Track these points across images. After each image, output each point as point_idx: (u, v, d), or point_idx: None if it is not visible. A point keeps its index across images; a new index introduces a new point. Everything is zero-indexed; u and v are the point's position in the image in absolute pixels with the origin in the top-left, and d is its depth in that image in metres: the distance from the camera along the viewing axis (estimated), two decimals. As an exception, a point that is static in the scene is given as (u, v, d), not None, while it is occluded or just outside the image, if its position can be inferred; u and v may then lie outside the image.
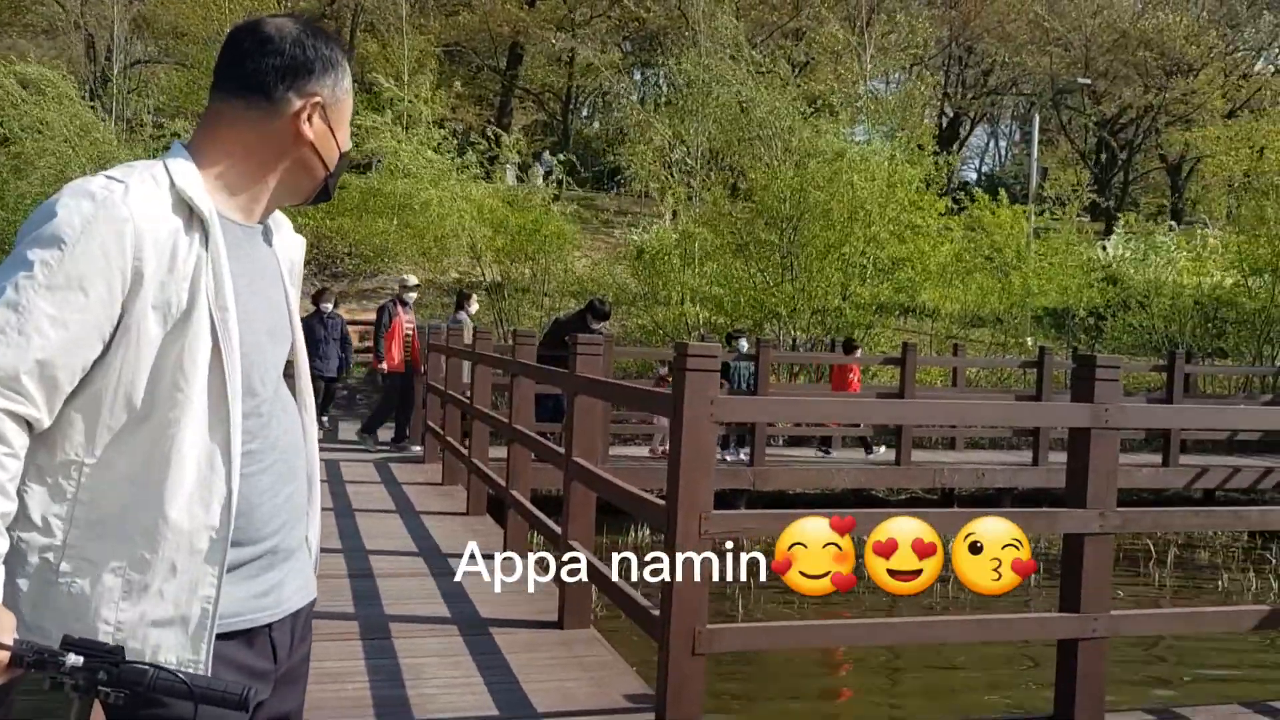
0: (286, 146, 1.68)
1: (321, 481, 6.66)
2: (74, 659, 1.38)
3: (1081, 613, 4.07)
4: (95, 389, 1.52)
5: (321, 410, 12.74)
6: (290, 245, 1.84)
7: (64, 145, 17.92)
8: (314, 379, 11.41)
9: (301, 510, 1.78)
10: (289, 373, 1.80)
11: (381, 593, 5.76)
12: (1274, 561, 11.07)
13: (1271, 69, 34.13)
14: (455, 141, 19.21)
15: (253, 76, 1.65)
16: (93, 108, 19.46)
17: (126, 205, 1.50)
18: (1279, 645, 8.01)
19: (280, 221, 1.84)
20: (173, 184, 1.57)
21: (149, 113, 20.46)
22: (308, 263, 21.35)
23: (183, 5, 24.97)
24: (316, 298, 12.96)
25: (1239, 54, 33.30)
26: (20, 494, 1.49)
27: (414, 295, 12.56)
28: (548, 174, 23.50)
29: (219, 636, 1.58)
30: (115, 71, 22.29)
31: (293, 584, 1.73)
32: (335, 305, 13.24)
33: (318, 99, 1.68)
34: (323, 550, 5.42)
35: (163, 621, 1.53)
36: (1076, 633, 4.08)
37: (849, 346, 13.99)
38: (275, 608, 1.69)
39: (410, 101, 19.53)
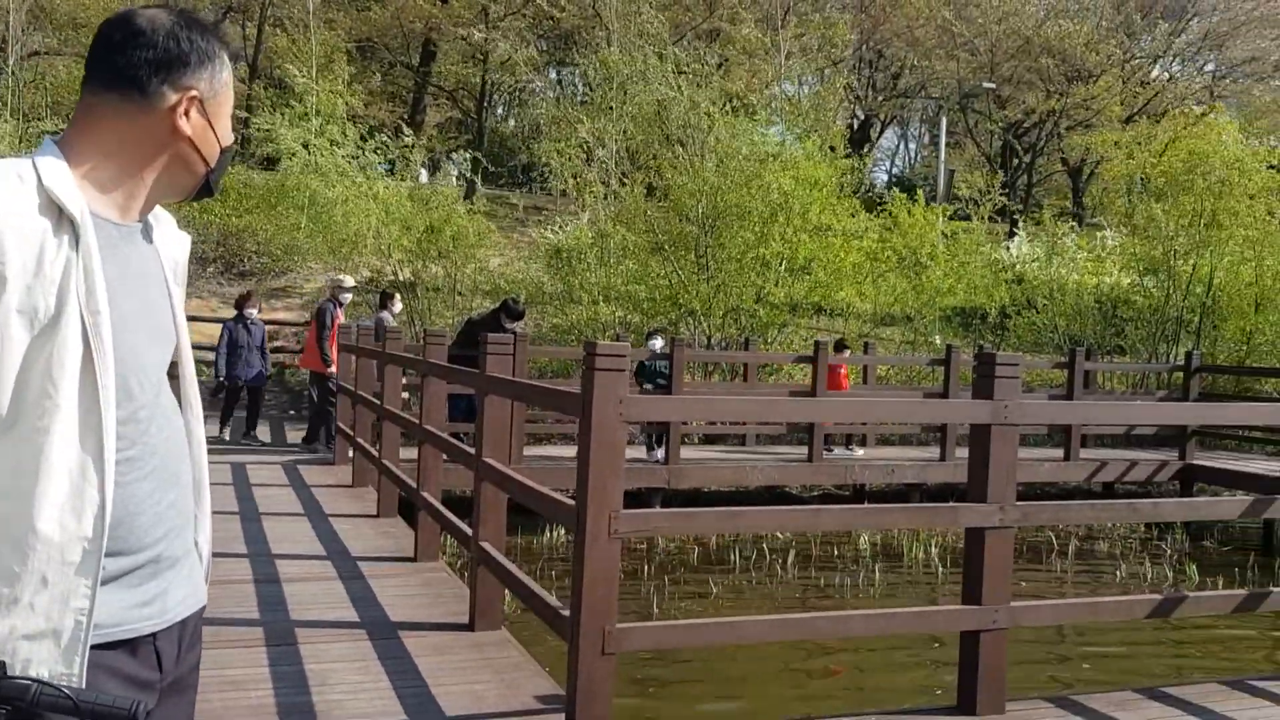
0: (163, 141, 1.63)
1: (226, 485, 6.53)
2: None
3: (983, 605, 4.17)
4: None
5: (251, 423, 12.45)
6: (173, 244, 1.79)
7: None
8: (238, 387, 11.16)
9: (188, 516, 1.72)
10: (174, 374, 1.75)
11: (287, 598, 5.65)
12: (1168, 551, 11.48)
13: (1167, 76, 35.35)
14: (369, 140, 18.89)
15: (125, 70, 1.59)
16: None
17: None
18: (1171, 632, 8.31)
19: (162, 219, 1.78)
20: (40, 183, 1.50)
21: (47, 106, 19.77)
22: (214, 261, 21.00)
23: (80, -4, 24.25)
24: (240, 302, 12.63)
25: (1136, 61, 34.43)
26: None
27: (349, 296, 12.36)
28: (462, 173, 23.34)
29: (101, 647, 1.52)
30: (11, 63, 21.48)
31: (178, 592, 1.68)
32: (259, 310, 12.90)
33: (194, 93, 1.63)
34: (227, 555, 5.34)
35: (34, 635, 1.47)
36: (978, 624, 4.17)
37: (839, 346, 14.30)
38: (159, 616, 1.63)
39: (318, 97, 19.18)
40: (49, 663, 1.47)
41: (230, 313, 13.55)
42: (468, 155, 20.52)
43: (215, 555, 5.94)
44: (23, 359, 1.46)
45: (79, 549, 1.49)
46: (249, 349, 12.21)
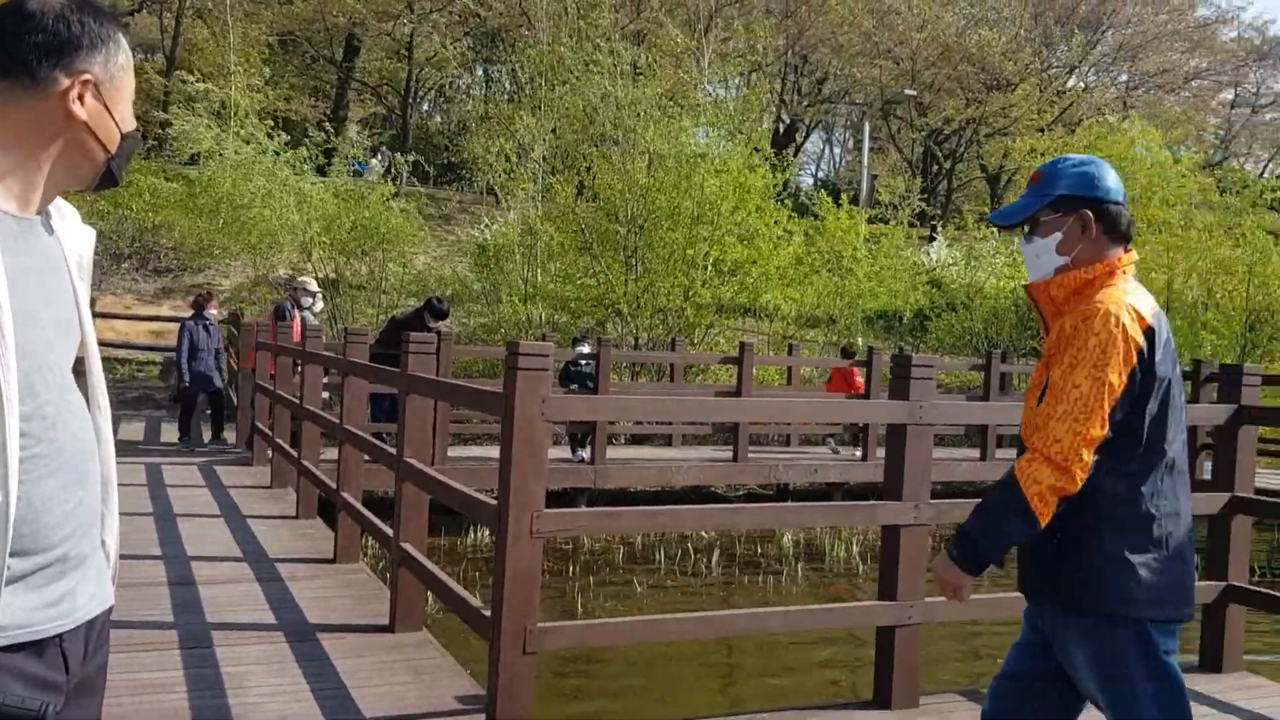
0: (58, 128, 1.59)
1: (140, 486, 6.35)
2: None
3: (898, 601, 4.25)
4: None
5: (219, 426, 12.12)
6: (78, 237, 1.75)
7: None
8: (199, 393, 10.71)
9: (95, 515, 1.69)
10: (80, 370, 1.71)
11: (203, 600, 5.54)
12: (1080, 548, 11.79)
13: (1082, 85, 36.35)
14: (286, 135, 18.61)
15: (15, 56, 1.56)
16: None
17: None
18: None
19: (66, 212, 1.75)
20: None
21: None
22: (129, 257, 20.48)
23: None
24: (200, 302, 12.22)
25: (1053, 71, 35.36)
26: None
27: (310, 300, 12.01)
28: (387, 170, 23.07)
29: (6, 649, 1.49)
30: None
31: (85, 592, 1.65)
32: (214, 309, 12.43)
33: (88, 76, 1.60)
34: (141, 558, 5.21)
35: None
36: (894, 620, 4.26)
37: (846, 353, 14.64)
38: (66, 617, 1.60)
39: (232, 94, 18.83)
40: None
41: (146, 310, 13.23)
42: (398, 155, 20.26)
43: (128, 558, 5.82)
44: None
45: None
46: (208, 351, 11.87)
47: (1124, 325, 2.37)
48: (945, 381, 18.45)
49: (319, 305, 12.49)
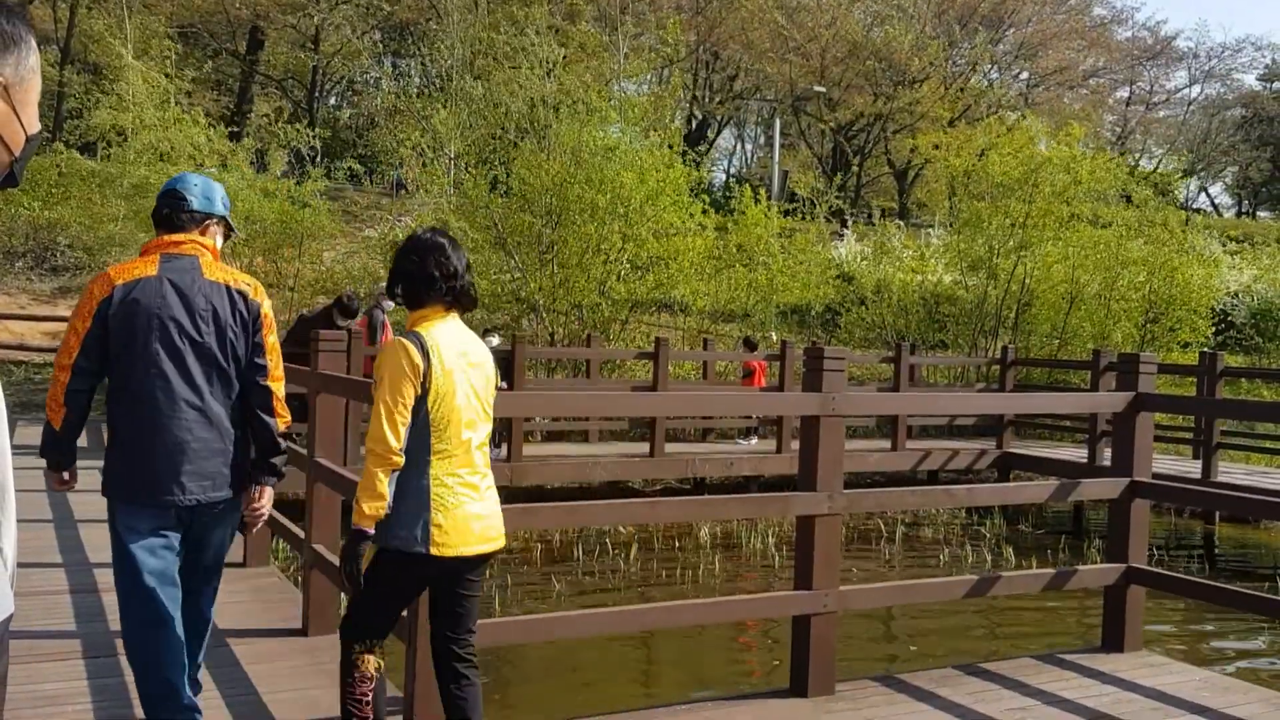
0: None
1: (38, 492, 6.12)
2: None
3: (813, 589, 4.31)
4: None
5: None
6: None
7: None
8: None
9: (-11, 523, 1.63)
10: None
11: (106, 608, 5.37)
12: (987, 535, 12.10)
13: (985, 83, 37.23)
14: (203, 127, 18.16)
15: None
16: None
17: None
18: (991, 613, 8.79)
19: None
20: None
21: None
22: (24, 255, 19.76)
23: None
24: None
25: (956, 68, 36.16)
26: None
27: (391, 305, 11.96)
28: (314, 157, 22.69)
29: None
30: None
31: (-21, 602, 1.58)
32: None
33: (2, 79, 1.54)
34: (40, 565, 5.05)
35: None
36: (809, 608, 4.32)
37: (749, 344, 14.64)
38: (-41, 628, 1.54)
39: (141, 79, 18.32)
40: None
41: (42, 309, 12.76)
42: (314, 136, 19.83)
43: (26, 565, 5.62)
44: None
45: None
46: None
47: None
48: (856, 374, 18.76)
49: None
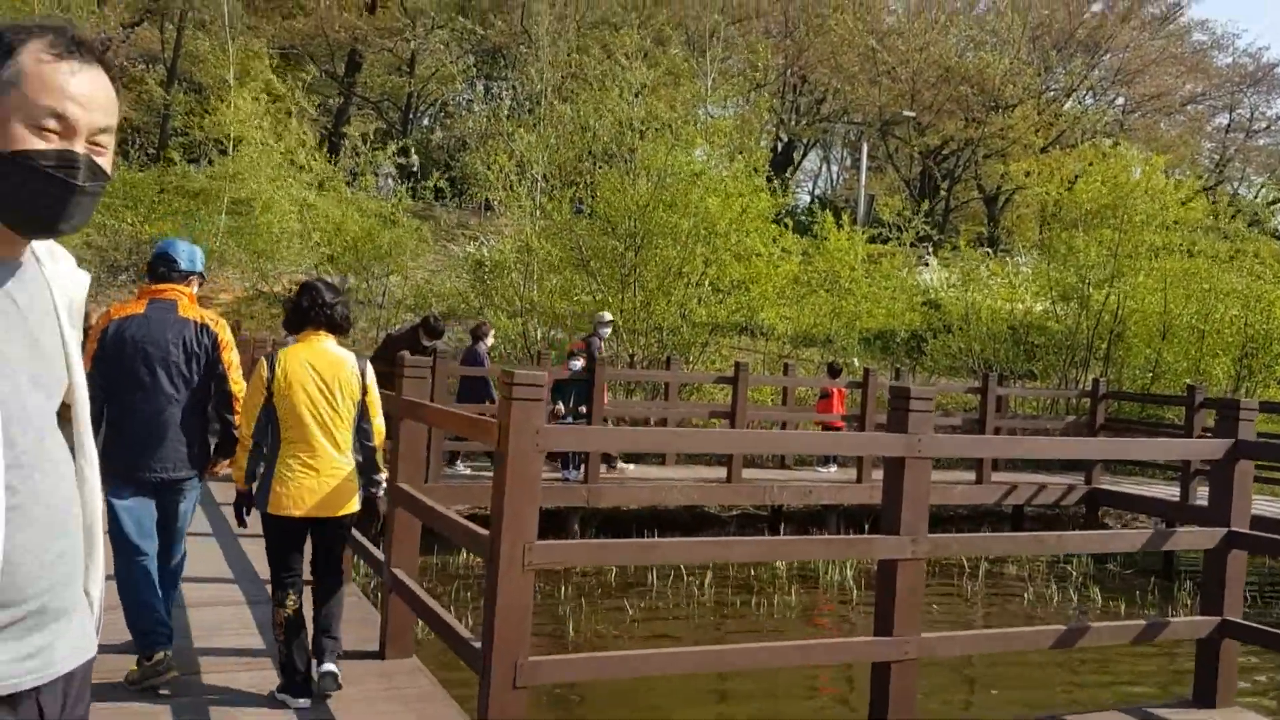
0: None
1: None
2: None
3: (894, 636, 4.21)
4: None
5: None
6: (69, 282, 1.71)
7: None
8: None
9: (76, 566, 1.65)
10: (66, 416, 1.68)
11: (191, 624, 5.49)
12: (1073, 574, 11.76)
13: (1079, 109, 36.46)
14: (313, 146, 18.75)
15: None
16: None
17: None
18: (1075, 652, 8.51)
19: (59, 256, 1.71)
20: None
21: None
22: (126, 269, 20.46)
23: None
24: (479, 332, 12.38)
25: (1050, 94, 35.48)
26: None
27: (608, 330, 12.76)
28: (413, 173, 23.27)
29: None
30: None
31: (64, 645, 1.61)
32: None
33: None
34: (111, 579, 5.14)
35: None
36: (890, 655, 4.22)
37: (833, 370, 14.52)
38: (43, 670, 1.57)
39: (237, 102, 18.90)
40: None
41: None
42: (412, 156, 20.34)
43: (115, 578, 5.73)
44: None
45: None
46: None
47: None
48: (941, 403, 18.43)
49: (490, 340, 12.71)
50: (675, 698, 6.98)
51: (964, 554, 10.24)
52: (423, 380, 5.31)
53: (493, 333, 13.16)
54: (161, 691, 4.41)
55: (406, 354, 5.62)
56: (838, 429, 14.11)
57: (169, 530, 4.73)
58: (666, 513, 12.50)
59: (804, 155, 41.50)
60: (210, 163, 21.42)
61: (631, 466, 12.89)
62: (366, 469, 4.54)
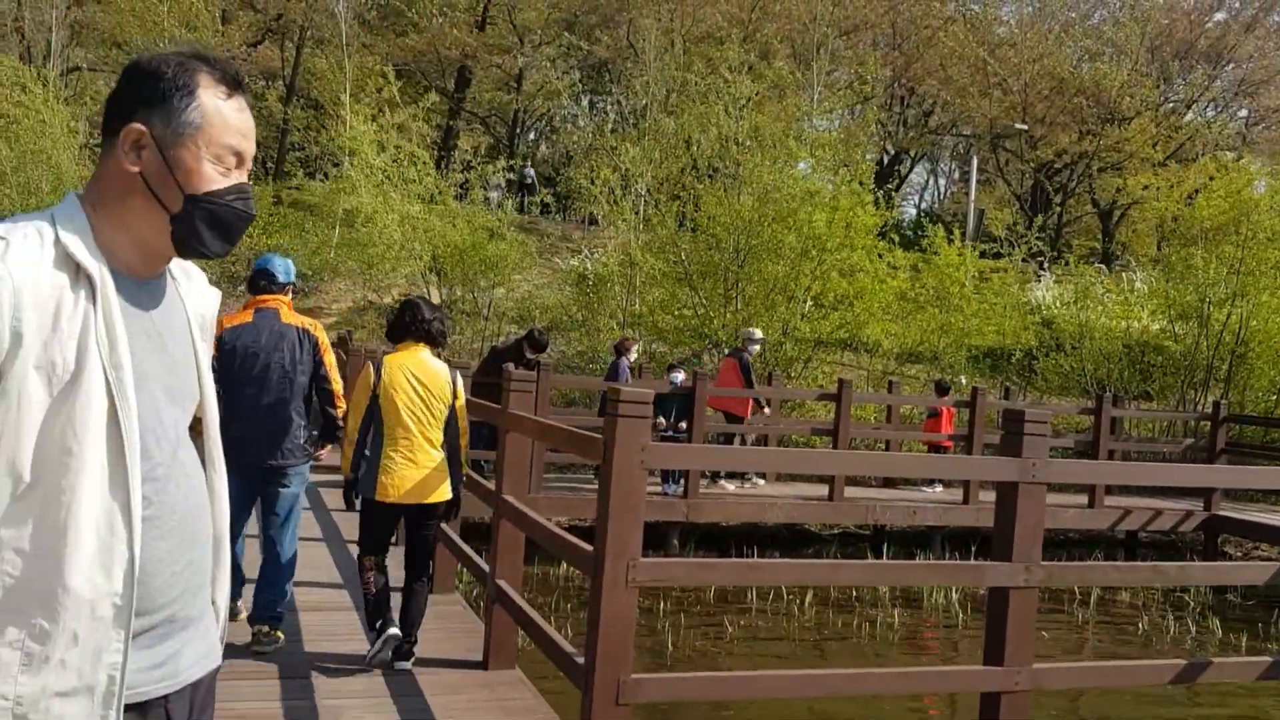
0: (124, 183, 1.58)
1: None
2: None
3: (1005, 666, 4.10)
4: None
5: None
6: (202, 299, 1.78)
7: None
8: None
9: (205, 576, 1.71)
10: (197, 430, 1.74)
11: (303, 628, 5.63)
12: (1191, 604, 11.30)
13: (1200, 121, 35.17)
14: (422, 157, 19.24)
15: (108, 113, 1.59)
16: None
17: (5, 264, 1.44)
18: (1190, 692, 8.16)
19: (193, 273, 1.77)
20: (57, 239, 1.50)
21: (81, 120, 20.08)
22: (245, 280, 21.20)
23: (121, 13, 24.60)
24: (622, 346, 12.69)
25: (1170, 105, 34.30)
26: None
27: (757, 348, 13.04)
28: (528, 185, 23.71)
29: None
30: (52, 77, 21.79)
31: (192, 653, 1.66)
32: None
33: (139, 127, 1.56)
34: (245, 580, 5.33)
35: (67, 693, 1.46)
36: (1000, 686, 4.10)
37: (941, 389, 14.36)
38: (172, 678, 1.62)
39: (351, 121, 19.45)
40: (83, 719, 1.47)
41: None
42: (529, 170, 20.74)
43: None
44: (44, 417, 1.46)
45: (109, 605, 1.48)
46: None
47: None
48: (1053, 424, 17.91)
49: (634, 354, 13.00)
50: (770, 713, 6.90)
51: (1080, 584, 9.92)
52: (527, 394, 5.36)
53: (636, 347, 13.28)
54: (266, 650, 5.10)
55: (511, 367, 5.70)
56: (945, 449, 13.82)
57: (275, 516, 5.28)
58: (766, 530, 12.40)
59: (911, 168, 40.86)
60: (325, 177, 22.06)
61: (732, 485, 12.80)
62: (453, 464, 5.08)
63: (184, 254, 1.65)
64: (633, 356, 12.73)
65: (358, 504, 5.13)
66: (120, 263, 1.58)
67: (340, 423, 5.31)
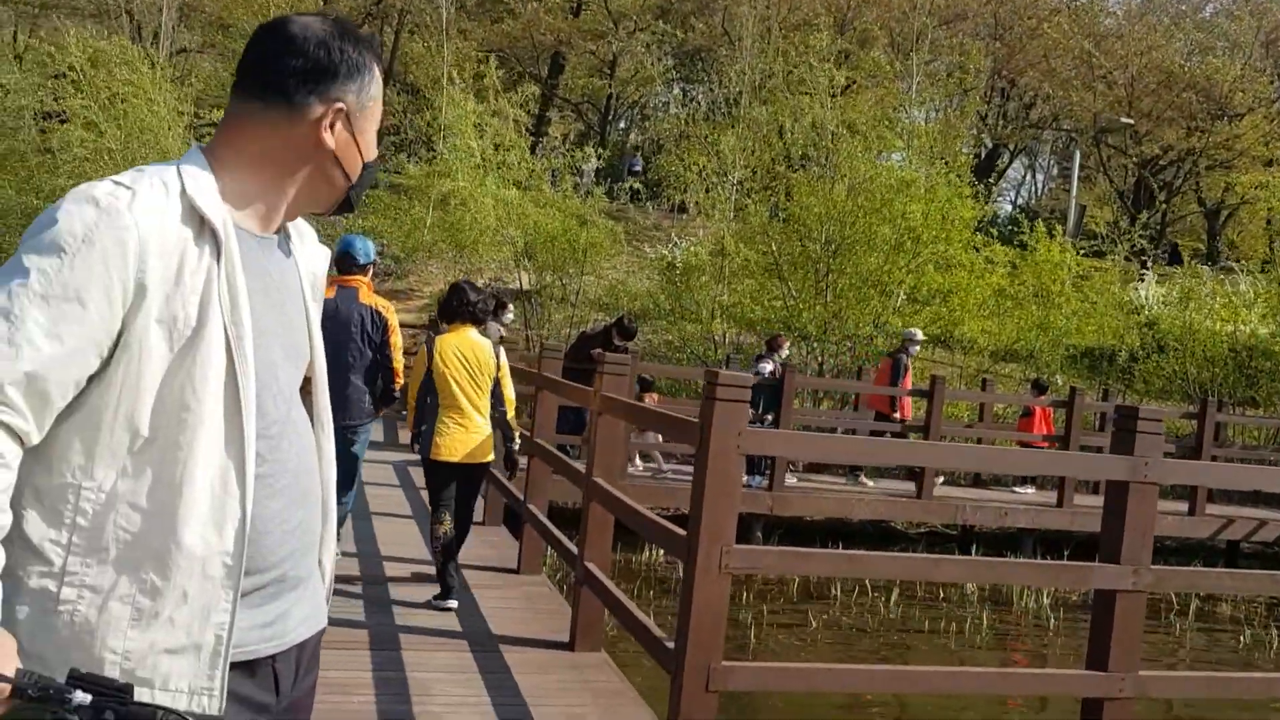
0: (306, 154, 1.59)
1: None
2: (81, 696, 1.30)
3: (1109, 671, 3.95)
4: (94, 408, 1.44)
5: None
6: (313, 257, 1.76)
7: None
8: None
9: (314, 536, 1.69)
10: (306, 390, 1.73)
11: (393, 601, 5.69)
12: (1299, 620, 10.85)
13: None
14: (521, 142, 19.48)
15: (273, 78, 1.56)
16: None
17: (131, 213, 1.42)
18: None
19: (304, 231, 1.76)
20: (184, 191, 1.49)
21: (189, 102, 20.60)
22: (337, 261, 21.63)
23: (229, -5, 25.24)
24: (775, 343, 12.77)
25: (1284, 101, 32.93)
26: (17, 517, 1.42)
27: (916, 349, 13.10)
28: (635, 173, 23.79)
29: None
30: (161, 59, 22.41)
31: (299, 614, 1.65)
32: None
33: (341, 105, 1.58)
34: (341, 554, 5.41)
35: (175, 650, 1.45)
36: (1103, 692, 3.95)
37: (1039, 387, 14.13)
38: (280, 638, 1.60)
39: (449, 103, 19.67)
40: (189, 677, 1.46)
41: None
42: (599, 156, 20.84)
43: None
44: (165, 372, 1.45)
45: (220, 563, 1.47)
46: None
47: None
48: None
49: (509, 315, 12.86)
50: (851, 708, 6.78)
51: (1189, 588, 9.58)
52: (622, 377, 5.33)
53: (788, 344, 13.21)
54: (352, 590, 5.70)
55: (605, 352, 5.72)
56: (1039, 450, 13.46)
57: (343, 467, 5.60)
58: (851, 526, 12.23)
59: (1009, 163, 39.92)
60: (420, 160, 22.34)
61: (871, 482, 12.69)
62: (503, 429, 5.82)
63: (337, 213, 1.72)
64: (784, 353, 12.67)
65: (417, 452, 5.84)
66: (241, 219, 1.57)
67: (396, 395, 5.98)
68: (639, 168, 27.79)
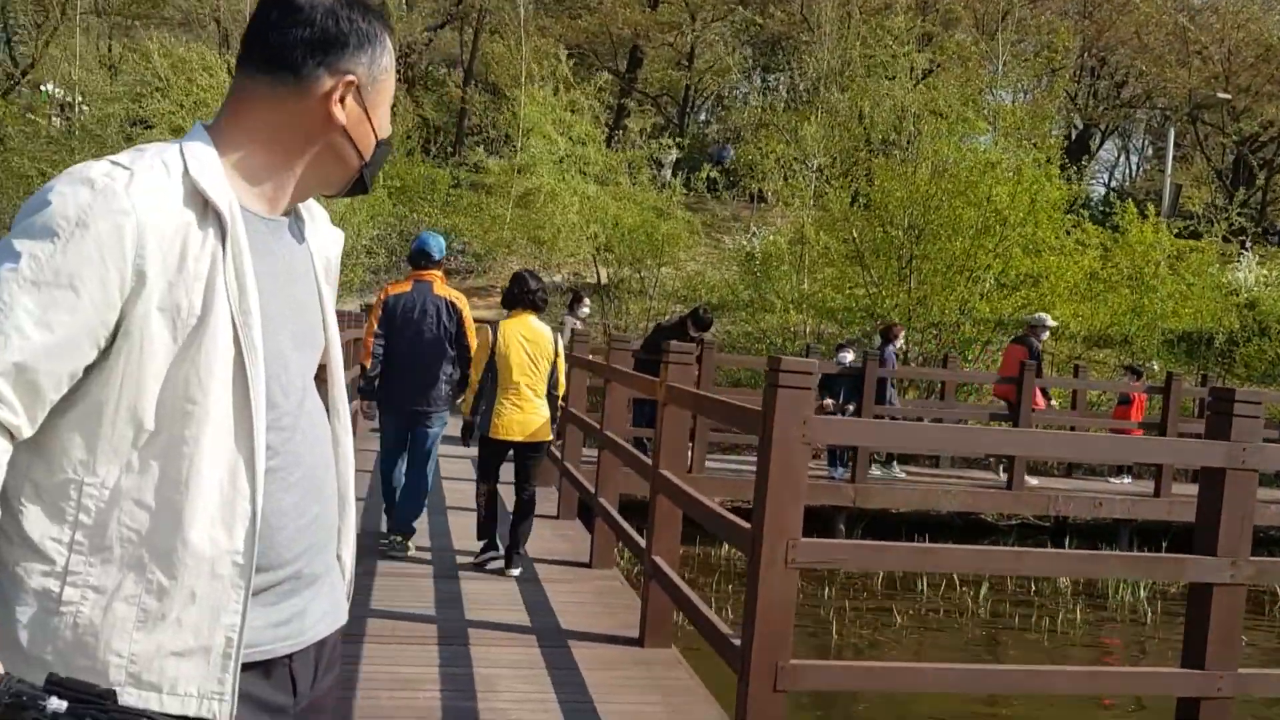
0: (315, 130, 1.50)
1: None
2: (56, 703, 1.23)
3: (1206, 670, 3.72)
4: (94, 401, 1.37)
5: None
6: (326, 240, 1.68)
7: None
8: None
9: (331, 531, 1.61)
10: (322, 378, 1.64)
11: (464, 596, 5.67)
12: None
13: None
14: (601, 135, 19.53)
15: (279, 50, 1.47)
16: None
17: (129, 196, 1.34)
18: None
19: (316, 213, 1.67)
20: (186, 171, 1.40)
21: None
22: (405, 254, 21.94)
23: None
24: (892, 333, 12.63)
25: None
26: (16, 514, 1.36)
27: (1046, 334, 12.93)
28: (721, 159, 23.71)
29: None
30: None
31: (316, 611, 1.56)
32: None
33: (351, 78, 1.49)
34: (417, 546, 5.43)
35: (182, 652, 1.38)
36: (1199, 691, 3.72)
37: (1134, 372, 13.77)
38: (296, 637, 1.52)
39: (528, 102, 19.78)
40: (198, 680, 1.39)
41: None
42: (678, 148, 20.78)
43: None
44: (170, 363, 1.38)
45: (229, 563, 1.40)
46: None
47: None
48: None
49: (585, 310, 12.95)
50: (942, 707, 6.57)
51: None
52: (689, 368, 5.21)
53: (903, 334, 13.03)
54: (396, 555, 6.29)
55: (671, 342, 5.59)
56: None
57: (420, 450, 6.36)
58: (938, 518, 11.93)
59: (1101, 143, 38.72)
60: (501, 158, 22.47)
61: (903, 474, 12.33)
62: (553, 407, 6.13)
63: (350, 194, 1.64)
64: (899, 343, 12.45)
65: (472, 442, 6.16)
66: (248, 200, 1.49)
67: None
68: (730, 155, 27.42)
